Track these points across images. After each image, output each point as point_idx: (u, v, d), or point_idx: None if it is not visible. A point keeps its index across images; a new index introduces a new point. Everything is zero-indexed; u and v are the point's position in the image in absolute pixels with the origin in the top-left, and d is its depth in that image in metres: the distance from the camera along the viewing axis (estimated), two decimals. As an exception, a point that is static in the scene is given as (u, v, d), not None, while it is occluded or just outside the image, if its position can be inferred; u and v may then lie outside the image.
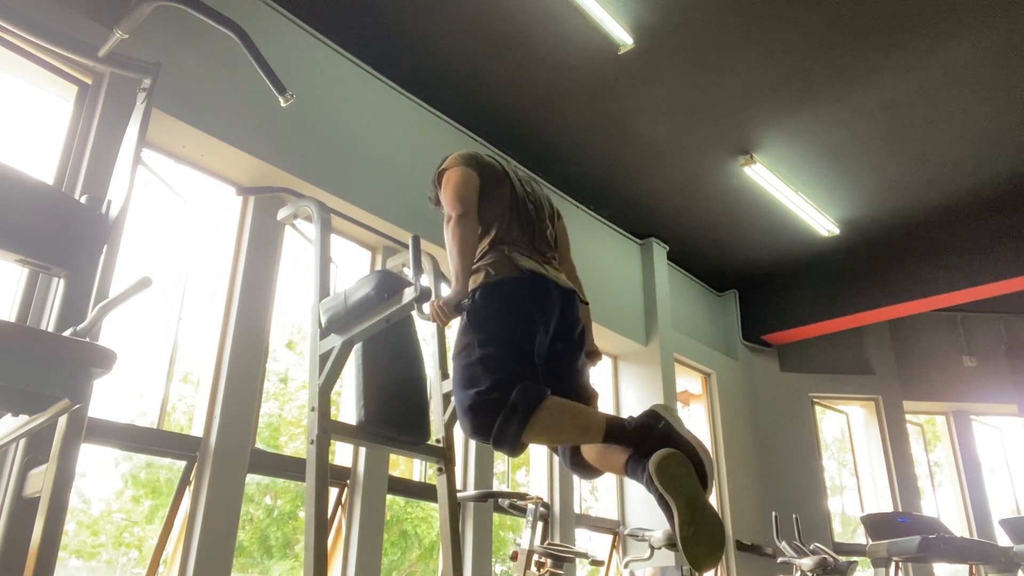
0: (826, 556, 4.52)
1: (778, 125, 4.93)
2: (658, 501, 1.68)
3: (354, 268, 4.25)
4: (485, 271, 2.02)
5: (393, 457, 3.82)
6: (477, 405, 1.86)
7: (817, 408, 7.36)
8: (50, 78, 2.97)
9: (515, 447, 1.85)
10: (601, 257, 5.77)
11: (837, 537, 6.77)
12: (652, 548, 4.30)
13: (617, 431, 1.79)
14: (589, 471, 2.01)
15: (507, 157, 5.04)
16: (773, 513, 5.12)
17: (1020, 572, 4.14)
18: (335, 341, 2.18)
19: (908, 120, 4.83)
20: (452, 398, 2.58)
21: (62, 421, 1.50)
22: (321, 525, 2.04)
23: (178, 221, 3.76)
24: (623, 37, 4.05)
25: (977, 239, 5.98)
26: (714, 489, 6.17)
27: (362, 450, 3.64)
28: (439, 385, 2.64)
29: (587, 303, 2.24)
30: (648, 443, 1.73)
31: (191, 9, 2.51)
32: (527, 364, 1.93)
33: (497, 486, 4.58)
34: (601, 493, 5.91)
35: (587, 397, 2.11)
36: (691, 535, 1.62)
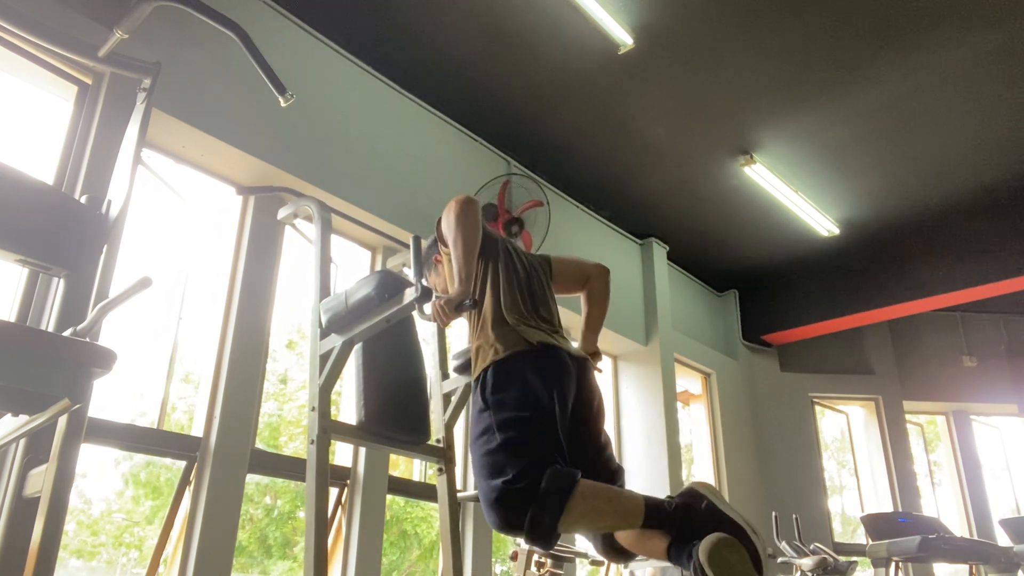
0: (826, 556, 4.52)
1: (778, 125, 4.92)
2: None
3: (354, 268, 4.25)
4: (493, 348, 1.90)
5: (393, 457, 3.82)
6: (505, 497, 1.71)
7: (817, 408, 7.36)
8: (50, 78, 2.97)
9: (551, 539, 1.70)
10: (601, 257, 5.76)
11: (837, 537, 6.77)
12: (652, 548, 4.29)
13: (657, 514, 1.66)
14: (625, 555, 1.85)
15: (508, 158, 5.06)
16: (773, 513, 5.11)
17: (1020, 572, 4.13)
18: (335, 341, 2.17)
19: (908, 120, 4.83)
20: (453, 396, 2.58)
21: (62, 421, 1.49)
22: (321, 525, 2.04)
23: (178, 221, 3.75)
24: (623, 37, 4.05)
25: (977, 239, 5.98)
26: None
27: (362, 450, 3.64)
28: (439, 385, 2.64)
29: (601, 371, 2.10)
30: (692, 526, 1.60)
31: (191, 9, 2.50)
32: (553, 444, 1.78)
33: (497, 486, 4.57)
34: (601, 493, 5.91)
35: (613, 472, 1.95)
36: None
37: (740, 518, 1.60)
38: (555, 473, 1.70)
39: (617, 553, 1.85)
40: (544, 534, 1.68)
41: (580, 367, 1.97)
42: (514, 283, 2.04)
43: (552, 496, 1.66)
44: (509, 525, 1.73)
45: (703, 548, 1.51)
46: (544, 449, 1.76)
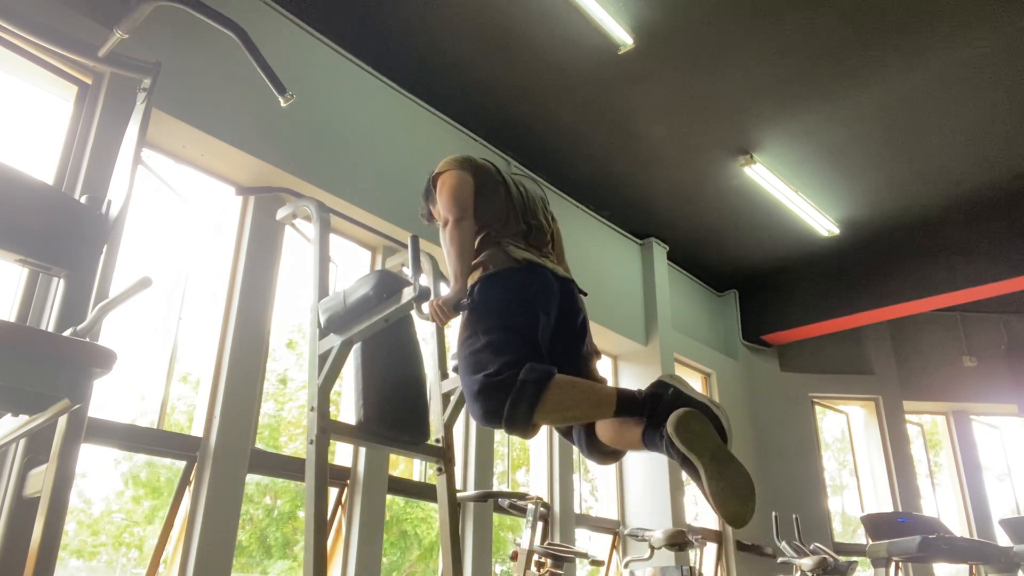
0: (826, 556, 4.52)
1: (778, 125, 4.93)
2: (681, 463, 1.66)
3: (354, 268, 4.25)
4: (483, 265, 2.03)
5: (393, 457, 3.82)
6: (486, 388, 1.84)
7: (817, 408, 7.36)
8: (50, 78, 2.97)
9: (528, 427, 1.83)
10: (601, 257, 5.77)
11: (837, 537, 6.78)
12: (652, 548, 4.30)
13: (629, 402, 1.78)
14: (607, 455, 1.99)
15: (508, 158, 5.06)
16: (773, 513, 5.11)
17: (1020, 572, 4.13)
18: (334, 341, 2.17)
19: (908, 120, 4.83)
20: (452, 396, 2.59)
21: (62, 421, 1.50)
22: (321, 525, 2.04)
23: (178, 221, 3.76)
24: (623, 37, 4.05)
25: (977, 239, 5.98)
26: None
27: (362, 450, 3.64)
28: (439, 385, 2.64)
29: (585, 293, 2.24)
30: (661, 409, 1.72)
31: (191, 9, 2.51)
32: (532, 347, 1.92)
33: (497, 486, 4.58)
34: (601, 493, 5.91)
35: (595, 381, 2.09)
36: (720, 489, 1.60)
37: (705, 398, 1.72)
38: (533, 367, 1.83)
39: (601, 453, 1.98)
40: (521, 421, 1.81)
41: (564, 286, 2.10)
42: (510, 212, 2.18)
43: (529, 385, 1.79)
44: (489, 414, 1.85)
45: (670, 421, 1.65)
46: (523, 349, 1.89)
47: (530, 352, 1.89)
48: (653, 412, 1.74)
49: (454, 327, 2.09)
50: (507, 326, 1.93)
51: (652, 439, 1.73)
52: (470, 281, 2.02)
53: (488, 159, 2.33)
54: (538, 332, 1.96)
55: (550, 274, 2.07)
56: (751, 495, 1.61)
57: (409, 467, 4.40)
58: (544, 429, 3.24)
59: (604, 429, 1.91)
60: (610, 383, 6.04)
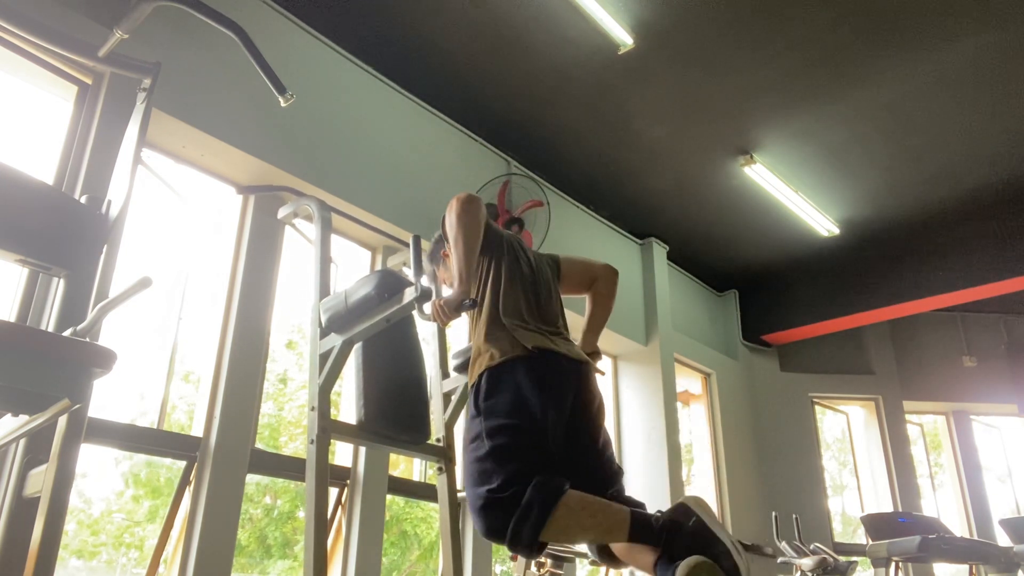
0: (826, 556, 4.52)
1: (778, 125, 4.92)
2: None
3: (354, 268, 4.24)
4: (489, 353, 1.89)
5: (393, 457, 3.82)
6: (489, 505, 1.73)
7: (817, 408, 7.36)
8: (50, 78, 2.96)
9: (532, 549, 1.70)
10: (601, 257, 5.73)
11: (837, 537, 6.78)
12: (652, 548, 4.29)
13: (643, 530, 1.65)
14: (616, 562, 1.84)
15: (508, 158, 5.05)
16: (773, 513, 5.11)
17: (1020, 572, 4.13)
18: (335, 341, 2.17)
19: (908, 120, 4.83)
20: (453, 396, 2.58)
21: (62, 421, 1.50)
22: (321, 525, 2.04)
23: (178, 221, 3.75)
24: (623, 37, 4.05)
25: (977, 239, 5.97)
26: (714, 490, 6.19)
27: (362, 450, 3.64)
28: (439, 384, 2.64)
29: (603, 373, 2.08)
30: (677, 544, 1.59)
31: (191, 9, 2.50)
32: (542, 453, 1.78)
33: (497, 486, 4.57)
34: (601, 493, 5.91)
35: (613, 474, 1.94)
36: None
37: (728, 538, 1.58)
38: (541, 484, 1.70)
39: (610, 559, 1.84)
40: (525, 544, 1.69)
41: (579, 370, 1.94)
42: (517, 283, 2.02)
43: (536, 506, 1.67)
44: (493, 533, 1.75)
45: (681, 570, 1.51)
46: (532, 458, 1.76)
47: (539, 460, 1.76)
48: (669, 544, 1.61)
49: (455, 327, 2.07)
50: (514, 428, 1.79)
51: (664, 573, 1.60)
52: (477, 370, 1.91)
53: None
54: (548, 434, 1.81)
55: (563, 359, 1.91)
56: None
57: (409, 467, 4.40)
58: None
59: (616, 544, 1.78)
60: (610, 383, 6.05)
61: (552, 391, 1.85)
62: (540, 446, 1.79)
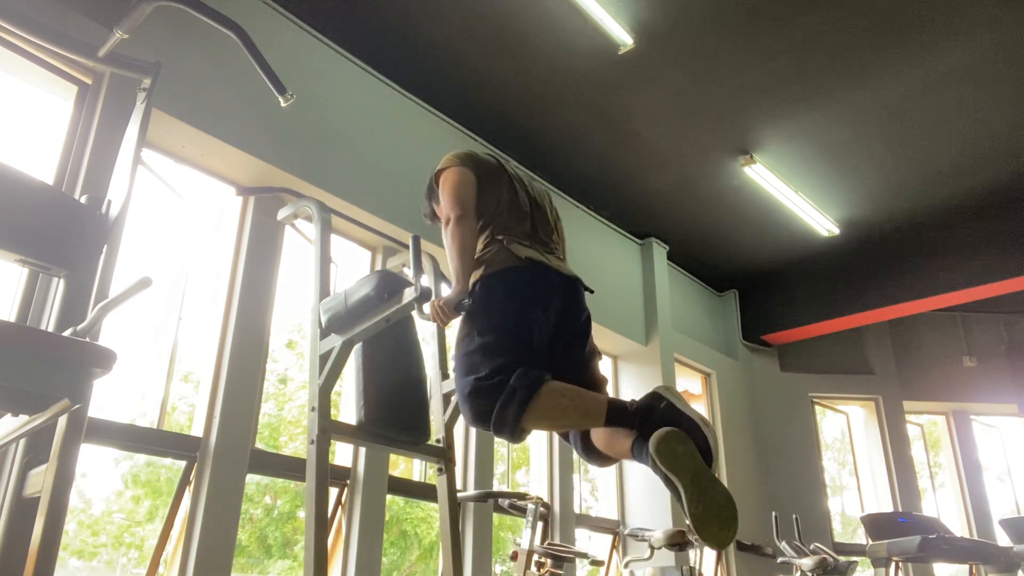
0: (826, 556, 4.52)
1: (778, 125, 4.92)
2: (664, 482, 1.65)
3: (354, 268, 4.25)
4: (485, 263, 2.01)
5: (393, 457, 3.82)
6: (476, 391, 1.86)
7: (817, 408, 7.36)
8: (50, 78, 2.96)
9: (515, 432, 1.83)
10: (601, 257, 5.77)
11: (837, 537, 6.77)
12: (652, 548, 4.30)
13: (619, 413, 1.77)
14: (601, 458, 1.99)
15: (507, 157, 5.05)
16: (773, 513, 5.12)
17: (1020, 572, 4.13)
18: (335, 341, 2.17)
19: (908, 120, 4.83)
20: (453, 396, 2.58)
21: (62, 421, 1.49)
22: (321, 525, 2.04)
23: (178, 221, 3.76)
24: (623, 37, 4.05)
25: (978, 239, 5.98)
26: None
27: (362, 450, 3.64)
28: (439, 385, 2.63)
29: (592, 291, 2.22)
30: (650, 424, 1.70)
31: (191, 9, 2.50)
32: (527, 350, 1.91)
33: (497, 486, 4.58)
34: (601, 493, 5.91)
35: (596, 383, 2.08)
36: (700, 512, 1.59)
37: (695, 414, 1.70)
38: (524, 372, 1.82)
39: (595, 455, 1.98)
40: (508, 425, 1.81)
41: (568, 284, 2.08)
42: (515, 211, 2.15)
43: (519, 391, 1.79)
44: (478, 417, 1.87)
45: (653, 440, 1.64)
46: (517, 352, 1.88)
47: (525, 356, 1.89)
48: (643, 425, 1.72)
49: (455, 327, 2.08)
50: (503, 328, 1.92)
51: (640, 452, 1.72)
52: (472, 279, 2.01)
53: (492, 154, 2.31)
54: (535, 334, 1.95)
55: (554, 273, 2.05)
56: (732, 519, 1.61)
57: (409, 467, 4.40)
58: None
59: (598, 435, 1.92)
60: (610, 383, 6.06)
61: (540, 297, 2.00)
62: (527, 345, 1.93)
